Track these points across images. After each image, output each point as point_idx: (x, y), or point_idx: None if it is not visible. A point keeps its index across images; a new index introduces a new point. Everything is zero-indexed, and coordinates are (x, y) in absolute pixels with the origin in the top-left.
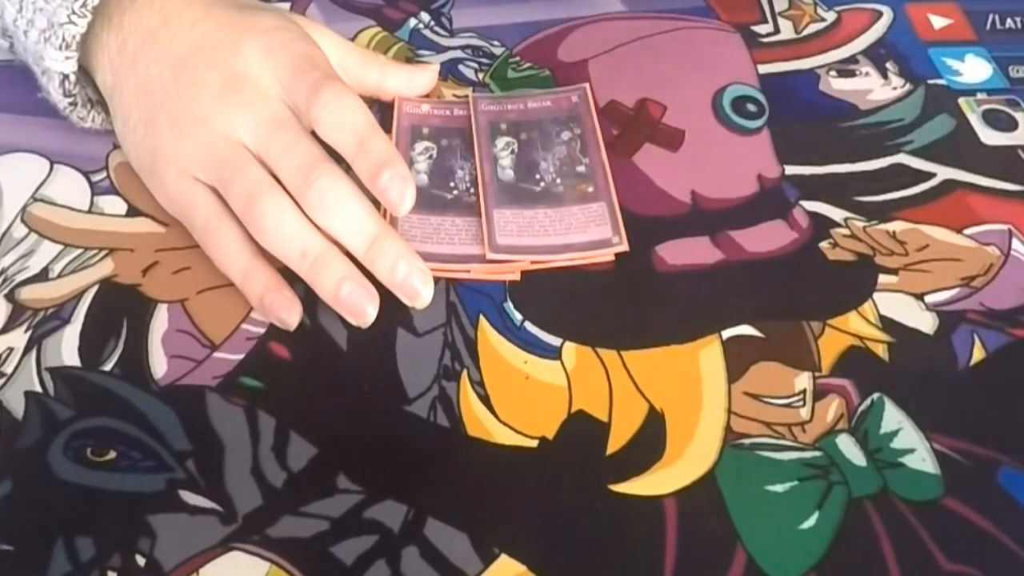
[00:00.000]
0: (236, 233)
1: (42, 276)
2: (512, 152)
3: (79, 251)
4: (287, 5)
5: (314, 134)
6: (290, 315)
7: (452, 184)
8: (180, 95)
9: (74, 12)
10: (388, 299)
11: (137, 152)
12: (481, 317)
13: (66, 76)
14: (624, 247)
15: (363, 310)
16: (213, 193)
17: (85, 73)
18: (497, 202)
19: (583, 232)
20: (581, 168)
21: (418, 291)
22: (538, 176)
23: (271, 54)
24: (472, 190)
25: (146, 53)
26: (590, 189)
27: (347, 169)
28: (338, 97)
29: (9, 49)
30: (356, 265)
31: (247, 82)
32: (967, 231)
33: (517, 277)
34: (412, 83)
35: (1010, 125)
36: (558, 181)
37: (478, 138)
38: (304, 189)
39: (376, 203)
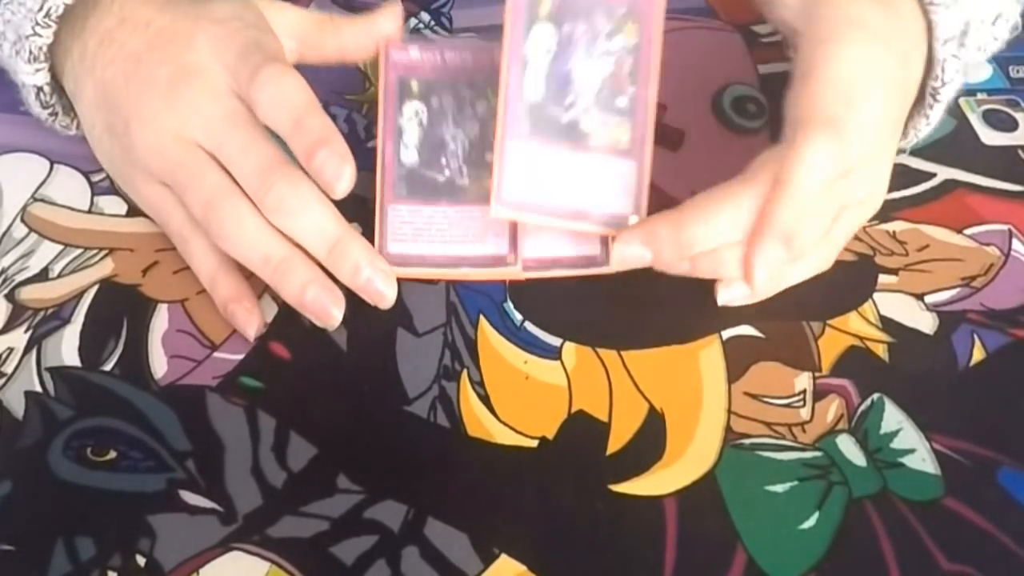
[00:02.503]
0: (207, 240)
1: (42, 276)
2: (548, 51)
3: (79, 251)
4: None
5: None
6: (248, 327)
7: (444, 161)
8: (131, 96)
9: (37, 23)
10: None
11: (108, 161)
12: (481, 317)
13: (40, 88)
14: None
15: (328, 313)
16: (179, 202)
17: (58, 83)
18: (515, 129)
19: (601, 199)
20: (622, 101)
21: (382, 294)
22: (570, 98)
23: (220, 43)
24: (465, 170)
25: (103, 55)
26: (624, 138)
27: None
28: (276, 77)
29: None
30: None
31: (196, 75)
32: (967, 231)
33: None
34: (370, 32)
35: (1010, 125)
36: (592, 113)
37: (513, 30)
38: (263, 193)
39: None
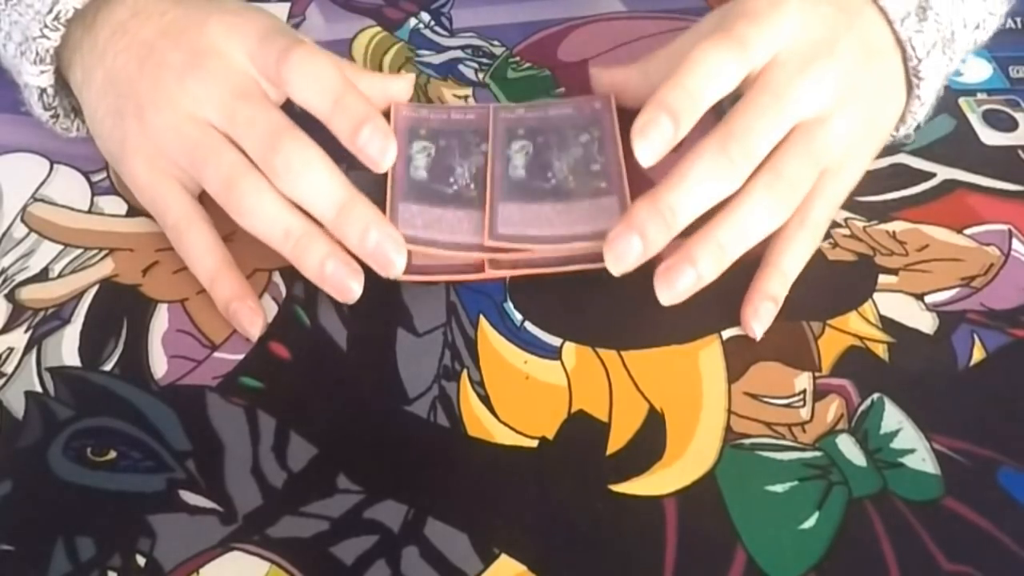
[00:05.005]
0: (206, 236)
1: (42, 276)
2: (526, 154)
3: (79, 251)
4: (287, 6)
5: (286, 108)
6: (252, 326)
7: (452, 180)
8: (144, 80)
9: (46, 26)
10: (388, 299)
11: (106, 144)
12: (481, 317)
13: (43, 90)
14: None
15: (348, 287)
16: (183, 190)
17: (65, 82)
18: (504, 197)
19: (591, 223)
20: (595, 167)
21: (391, 260)
22: (550, 174)
23: (237, 28)
24: (473, 186)
25: (115, 45)
26: (603, 185)
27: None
28: (310, 57)
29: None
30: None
31: (211, 56)
32: (967, 231)
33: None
34: (385, 91)
35: (1010, 125)
36: (570, 179)
37: (494, 143)
38: (271, 156)
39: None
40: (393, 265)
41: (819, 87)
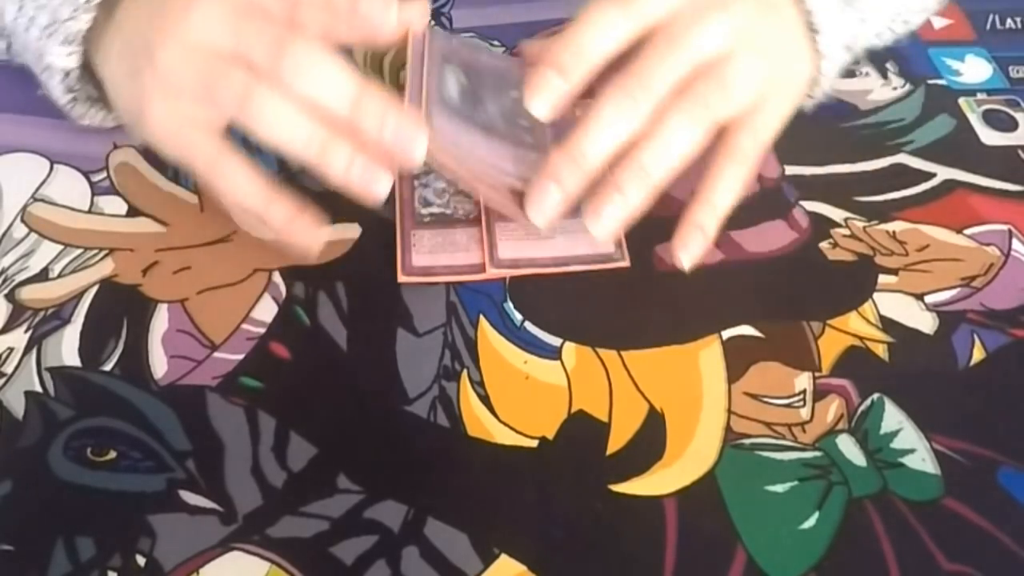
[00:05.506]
0: (243, 168)
1: (42, 276)
2: (461, 86)
3: (79, 251)
4: None
5: None
6: (314, 242)
7: (484, 113)
8: (153, 31)
9: (77, 8)
10: (388, 299)
11: (127, 105)
12: (481, 317)
13: (67, 72)
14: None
15: (376, 184)
16: (208, 131)
17: (86, 70)
18: (438, 112)
19: (516, 166)
20: (523, 121)
21: (412, 143)
22: (481, 109)
23: None
24: (497, 125)
25: (129, 12)
26: (528, 139)
27: None
28: None
29: (6, 50)
30: None
31: None
32: (967, 231)
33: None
34: (401, 18)
35: (1010, 125)
36: (500, 121)
37: (429, 65)
38: (280, 60)
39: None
40: (415, 147)
41: (714, 31)
